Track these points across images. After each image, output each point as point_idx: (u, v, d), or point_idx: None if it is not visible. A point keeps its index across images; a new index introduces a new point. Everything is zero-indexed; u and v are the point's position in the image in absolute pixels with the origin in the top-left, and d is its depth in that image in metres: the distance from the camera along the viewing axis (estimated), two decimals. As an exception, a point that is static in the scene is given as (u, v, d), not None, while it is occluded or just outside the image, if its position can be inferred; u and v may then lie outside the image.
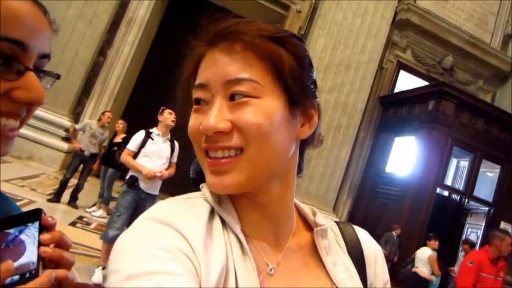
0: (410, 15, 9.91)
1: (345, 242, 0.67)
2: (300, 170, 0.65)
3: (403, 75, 10.44)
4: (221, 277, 0.49)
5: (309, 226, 0.65)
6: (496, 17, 11.21)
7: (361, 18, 9.44)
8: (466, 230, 9.22)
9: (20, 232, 0.50)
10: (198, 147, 0.57)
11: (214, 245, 0.52)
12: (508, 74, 10.96)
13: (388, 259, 7.33)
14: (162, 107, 4.21)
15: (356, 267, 0.64)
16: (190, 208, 0.55)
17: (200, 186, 0.61)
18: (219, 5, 9.39)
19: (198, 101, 0.57)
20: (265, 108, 0.53)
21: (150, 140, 4.07)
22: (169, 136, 4.21)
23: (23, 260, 0.49)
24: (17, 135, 0.55)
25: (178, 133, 4.01)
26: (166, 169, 4.09)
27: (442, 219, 8.89)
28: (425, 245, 7.17)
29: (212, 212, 0.57)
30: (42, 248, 0.50)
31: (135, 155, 4.02)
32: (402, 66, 10.40)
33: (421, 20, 10.01)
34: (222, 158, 0.54)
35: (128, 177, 3.99)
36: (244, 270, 0.52)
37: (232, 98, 0.54)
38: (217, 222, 0.56)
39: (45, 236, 0.52)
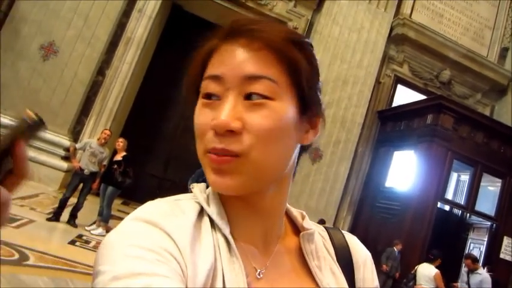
0: (406, 30, 9.98)
1: (333, 247, 0.67)
2: (293, 174, 0.64)
3: (400, 89, 10.46)
4: (208, 278, 0.49)
5: (298, 230, 0.64)
6: (492, 31, 11.28)
7: (358, 34, 9.52)
8: (468, 245, 9.10)
9: None
10: (201, 143, 0.54)
11: (202, 246, 0.51)
12: (506, 87, 10.96)
13: (390, 275, 7.24)
14: None
15: (344, 273, 0.63)
16: (178, 209, 0.54)
17: (191, 187, 0.61)
18: (217, 24, 9.53)
19: (209, 96, 0.54)
20: (279, 112, 0.53)
21: None
22: None
23: None
24: None
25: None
26: None
27: (443, 234, 8.75)
28: (426, 260, 7.07)
29: (201, 213, 0.56)
30: None
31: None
32: (399, 80, 10.42)
33: (417, 35, 10.08)
34: (225, 155, 0.51)
35: None
36: (232, 272, 0.51)
37: (247, 97, 0.52)
38: (206, 223, 0.55)
39: None
